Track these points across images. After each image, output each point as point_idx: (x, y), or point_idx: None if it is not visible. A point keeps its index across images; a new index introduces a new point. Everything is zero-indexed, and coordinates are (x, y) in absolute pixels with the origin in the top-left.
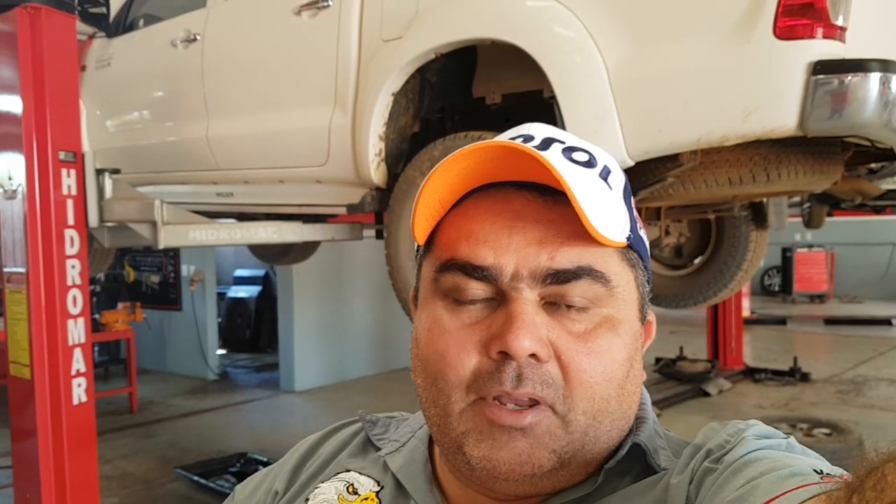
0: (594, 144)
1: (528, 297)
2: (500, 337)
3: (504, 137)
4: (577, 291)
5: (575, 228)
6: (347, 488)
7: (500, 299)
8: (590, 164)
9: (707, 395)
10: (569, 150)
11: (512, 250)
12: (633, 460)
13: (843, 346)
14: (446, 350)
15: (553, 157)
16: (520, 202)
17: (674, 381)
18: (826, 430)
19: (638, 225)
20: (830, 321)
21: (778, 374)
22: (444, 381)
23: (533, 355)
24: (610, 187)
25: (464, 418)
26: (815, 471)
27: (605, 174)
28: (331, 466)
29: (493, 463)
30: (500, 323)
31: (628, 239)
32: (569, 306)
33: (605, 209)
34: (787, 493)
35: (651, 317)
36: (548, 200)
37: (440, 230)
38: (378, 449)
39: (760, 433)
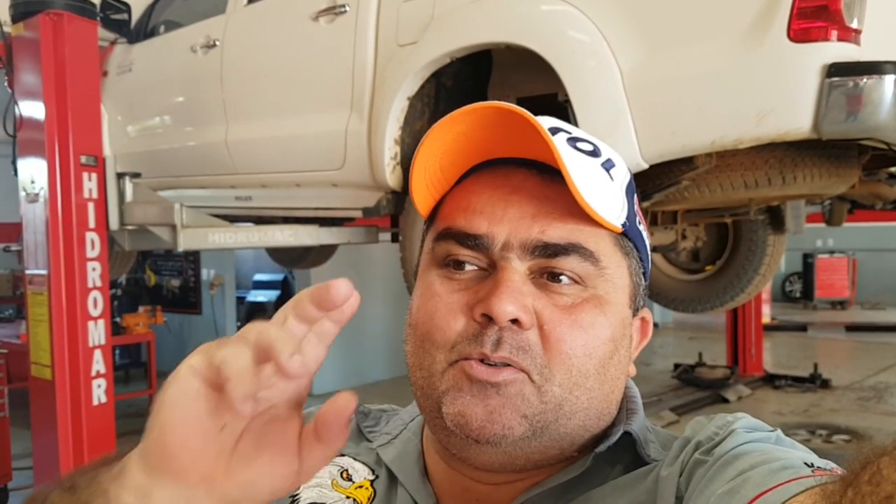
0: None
1: (516, 267)
2: (485, 300)
3: None
4: (566, 266)
5: (569, 206)
6: (342, 473)
7: (491, 270)
8: (594, 153)
9: (726, 401)
10: (573, 140)
11: (505, 221)
12: (623, 449)
13: (864, 353)
14: (434, 312)
15: (556, 140)
16: (518, 177)
17: (692, 387)
18: (846, 437)
19: (638, 220)
20: (852, 328)
21: (798, 380)
22: (430, 343)
23: (515, 321)
24: (611, 178)
25: (445, 377)
26: (805, 464)
27: (607, 166)
28: None
29: (466, 419)
30: (487, 289)
31: (623, 226)
32: (556, 281)
33: (601, 192)
34: (779, 485)
35: (647, 315)
36: (545, 178)
37: (443, 204)
38: (369, 441)
39: (749, 426)
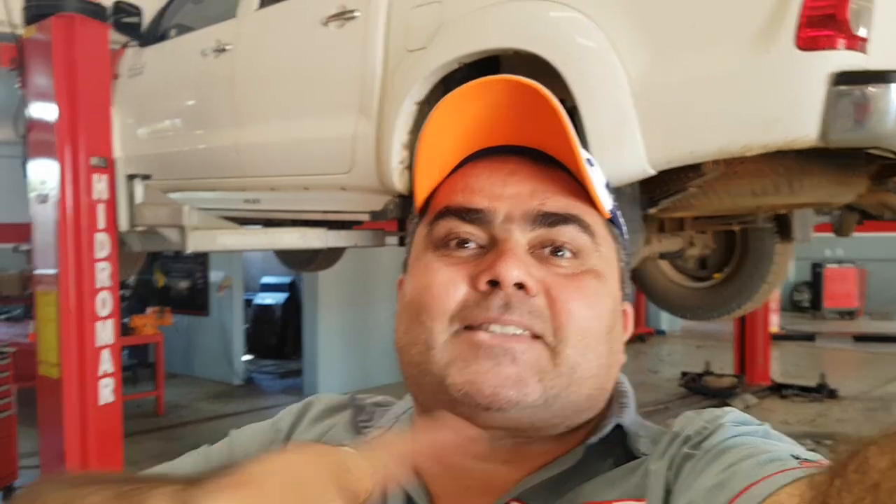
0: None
1: (518, 239)
2: (490, 268)
3: None
4: (565, 235)
5: (565, 187)
6: None
7: (490, 247)
8: None
9: None
10: None
11: (505, 198)
12: (614, 442)
13: (872, 364)
14: (432, 283)
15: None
16: (514, 163)
17: (699, 395)
18: None
19: (619, 213)
20: (860, 338)
21: (805, 390)
22: (427, 314)
23: (521, 286)
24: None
25: (447, 348)
26: (792, 456)
27: (590, 164)
28: (325, 439)
29: (478, 386)
30: (489, 260)
31: (611, 212)
32: (556, 254)
33: (595, 179)
34: (767, 477)
35: (629, 308)
36: (540, 164)
37: (436, 194)
38: (363, 435)
39: (737, 420)
